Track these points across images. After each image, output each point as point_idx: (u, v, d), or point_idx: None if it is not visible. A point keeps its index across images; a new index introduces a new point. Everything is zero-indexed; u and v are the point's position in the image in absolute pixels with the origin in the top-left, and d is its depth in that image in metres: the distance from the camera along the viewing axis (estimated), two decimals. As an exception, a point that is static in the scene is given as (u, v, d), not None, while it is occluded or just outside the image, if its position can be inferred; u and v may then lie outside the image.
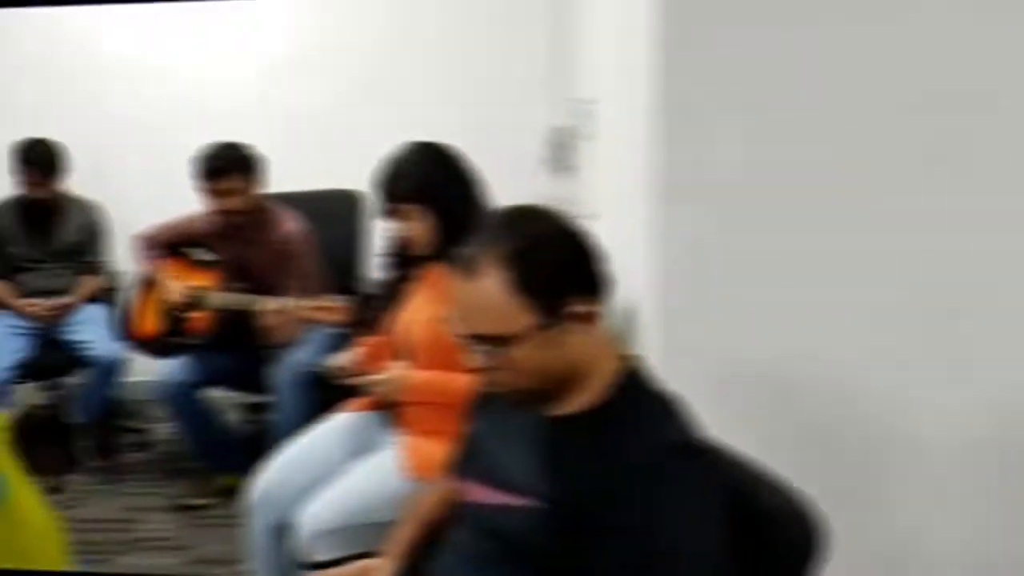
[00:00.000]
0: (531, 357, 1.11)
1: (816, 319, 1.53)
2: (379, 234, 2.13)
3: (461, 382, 1.76)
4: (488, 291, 1.10)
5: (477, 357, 1.15)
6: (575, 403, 1.15)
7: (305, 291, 2.71)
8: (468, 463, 1.33)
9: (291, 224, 2.82)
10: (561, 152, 2.99)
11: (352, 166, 3.10)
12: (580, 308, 1.11)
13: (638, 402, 1.15)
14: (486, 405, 1.30)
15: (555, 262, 1.12)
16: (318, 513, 1.81)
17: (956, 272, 1.51)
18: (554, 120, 3.03)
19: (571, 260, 1.14)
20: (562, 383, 1.15)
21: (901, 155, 1.48)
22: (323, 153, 3.40)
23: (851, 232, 1.50)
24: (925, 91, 1.45)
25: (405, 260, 2.02)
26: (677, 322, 1.56)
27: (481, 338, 1.13)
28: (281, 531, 1.91)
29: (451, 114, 3.27)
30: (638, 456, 1.07)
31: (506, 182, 2.59)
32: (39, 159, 3.08)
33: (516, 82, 3.32)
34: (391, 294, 2.07)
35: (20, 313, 3.09)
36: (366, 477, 1.87)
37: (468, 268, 1.12)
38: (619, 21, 1.82)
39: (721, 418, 1.23)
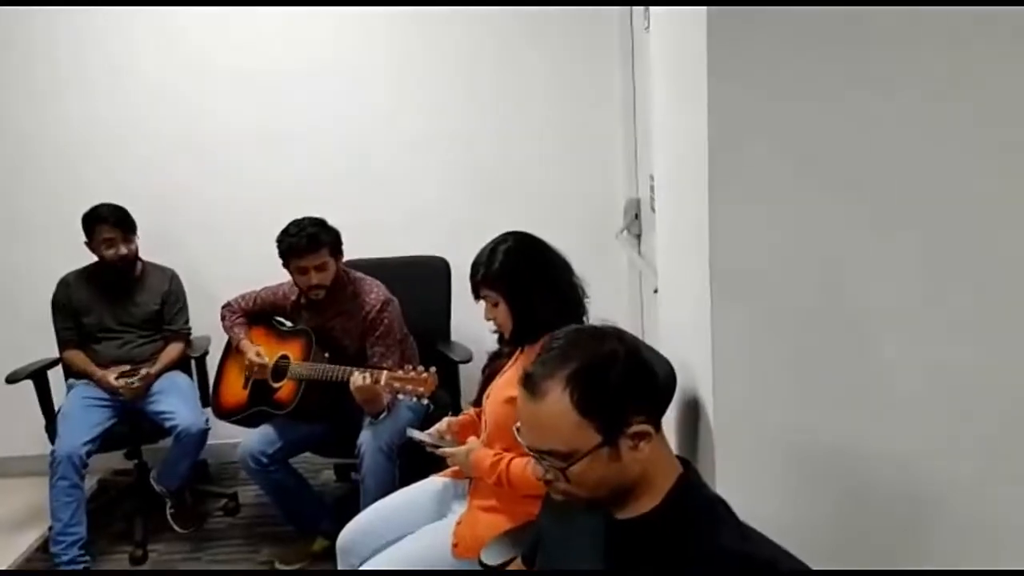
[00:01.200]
0: (592, 471, 1.17)
1: (874, 405, 1.56)
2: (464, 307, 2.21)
3: (512, 466, 1.89)
4: (552, 411, 1.16)
5: (541, 469, 1.22)
6: (635, 507, 1.21)
7: (391, 359, 2.79)
8: (539, 556, 1.40)
9: (375, 294, 2.87)
10: (634, 223, 3.08)
11: (443, 236, 3.25)
12: (640, 427, 1.17)
13: (693, 508, 1.20)
14: (554, 501, 1.35)
15: (616, 384, 1.16)
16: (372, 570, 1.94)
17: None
18: (630, 192, 3.12)
19: (631, 381, 1.18)
20: (623, 491, 1.21)
21: (969, 248, 1.49)
22: (412, 223, 3.51)
23: (910, 316, 1.52)
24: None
25: (501, 340, 2.12)
26: (731, 404, 1.61)
27: (545, 452, 1.19)
28: None
29: (537, 186, 3.42)
30: (691, 562, 1.12)
31: (590, 250, 2.69)
32: (114, 216, 3.09)
33: (599, 155, 3.42)
34: (489, 368, 2.18)
35: (101, 385, 3.07)
36: (414, 548, 1.98)
37: (533, 387, 1.19)
38: (671, 94, 1.89)
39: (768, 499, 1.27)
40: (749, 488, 1.28)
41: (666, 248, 2.31)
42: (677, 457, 1.27)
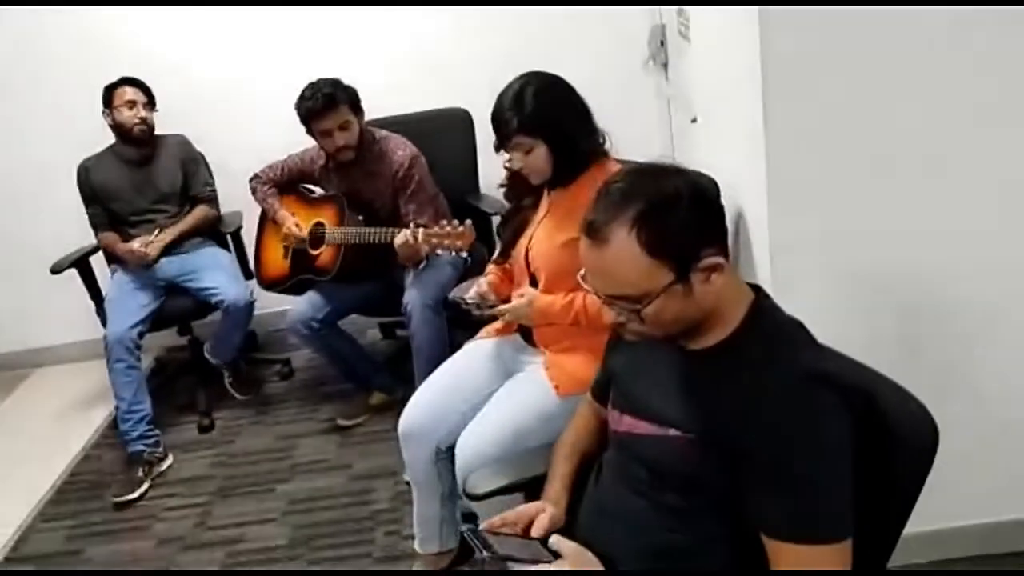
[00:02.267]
0: (666, 310, 1.16)
1: (916, 220, 1.55)
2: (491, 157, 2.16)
3: (588, 301, 1.88)
4: (621, 254, 1.14)
5: (613, 313, 1.21)
6: (711, 337, 1.21)
7: (426, 216, 2.77)
8: (613, 393, 1.40)
9: (403, 151, 2.82)
10: (660, 51, 2.96)
11: (461, 85, 3.14)
12: (711, 259, 1.15)
13: (770, 332, 1.20)
14: (622, 338, 1.35)
15: (684, 219, 1.14)
16: (473, 443, 1.88)
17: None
18: (653, 18, 2.98)
19: (698, 214, 1.15)
20: (697, 324, 1.20)
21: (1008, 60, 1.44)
22: (428, 74, 3.39)
23: (953, 133, 1.49)
24: None
25: (524, 189, 2.07)
26: (782, 222, 1.58)
27: (617, 297, 1.18)
28: (439, 456, 2.04)
29: (552, 21, 3.25)
30: (773, 384, 1.12)
31: (615, 82, 2.58)
32: (135, 81, 3.08)
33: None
34: (512, 222, 2.13)
35: (125, 257, 3.07)
36: (516, 402, 1.94)
37: (596, 233, 1.15)
38: None
39: (826, 315, 1.27)
40: (807, 309, 1.29)
41: (706, 76, 2.22)
42: (748, 284, 1.26)
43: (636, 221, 1.13)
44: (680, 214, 1.14)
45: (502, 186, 2.13)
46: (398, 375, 3.06)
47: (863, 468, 1.11)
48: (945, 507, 1.58)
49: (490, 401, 1.97)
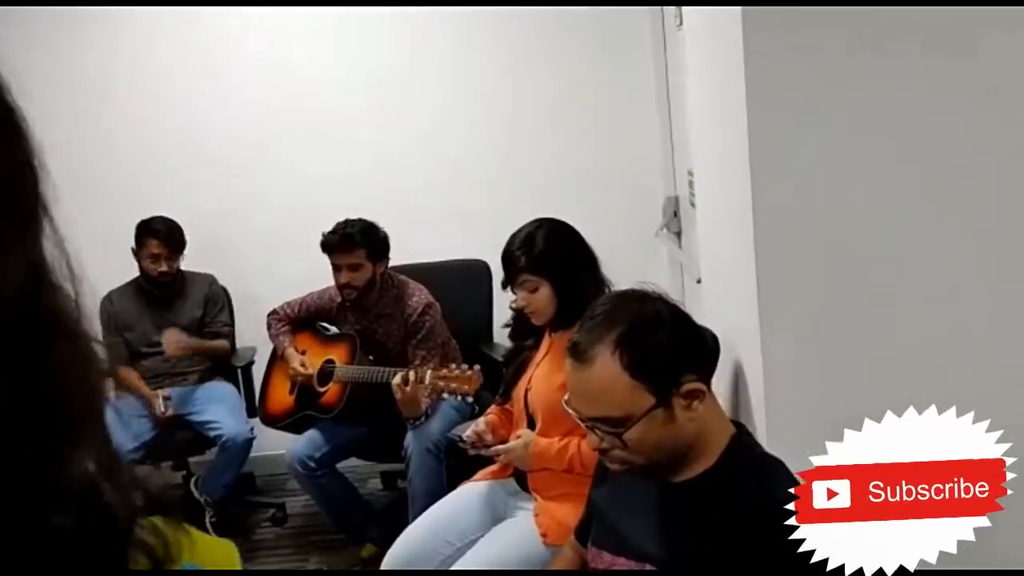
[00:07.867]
0: (648, 434, 1.17)
1: (917, 378, 1.53)
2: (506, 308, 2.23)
3: (583, 447, 1.85)
4: (603, 376, 1.17)
5: (596, 438, 1.21)
6: (692, 469, 1.21)
7: (434, 361, 2.79)
8: (594, 529, 1.38)
9: (419, 296, 2.90)
10: (674, 220, 3.09)
11: (483, 238, 3.27)
12: (692, 385, 1.17)
13: (750, 467, 1.20)
14: (607, 472, 1.35)
15: (665, 343, 1.18)
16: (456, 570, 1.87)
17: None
18: (668, 190, 3.13)
19: (679, 339, 1.19)
20: (679, 454, 1.20)
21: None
22: (452, 227, 3.53)
23: (954, 290, 1.52)
24: None
25: (527, 330, 2.12)
26: (781, 380, 1.58)
27: (599, 420, 1.19)
28: None
29: (574, 188, 3.43)
30: (751, 517, 1.10)
31: (630, 248, 2.69)
32: (165, 231, 3.13)
33: (635, 155, 3.44)
34: (514, 363, 2.17)
35: (147, 403, 3.03)
36: (501, 547, 1.92)
37: (580, 355, 1.19)
38: (708, 94, 1.92)
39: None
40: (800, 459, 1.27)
41: (708, 237, 2.30)
42: (731, 421, 1.28)
43: (618, 342, 1.16)
44: (661, 337, 1.17)
45: (506, 326, 2.17)
46: (394, 528, 2.93)
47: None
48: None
49: (475, 546, 1.94)
